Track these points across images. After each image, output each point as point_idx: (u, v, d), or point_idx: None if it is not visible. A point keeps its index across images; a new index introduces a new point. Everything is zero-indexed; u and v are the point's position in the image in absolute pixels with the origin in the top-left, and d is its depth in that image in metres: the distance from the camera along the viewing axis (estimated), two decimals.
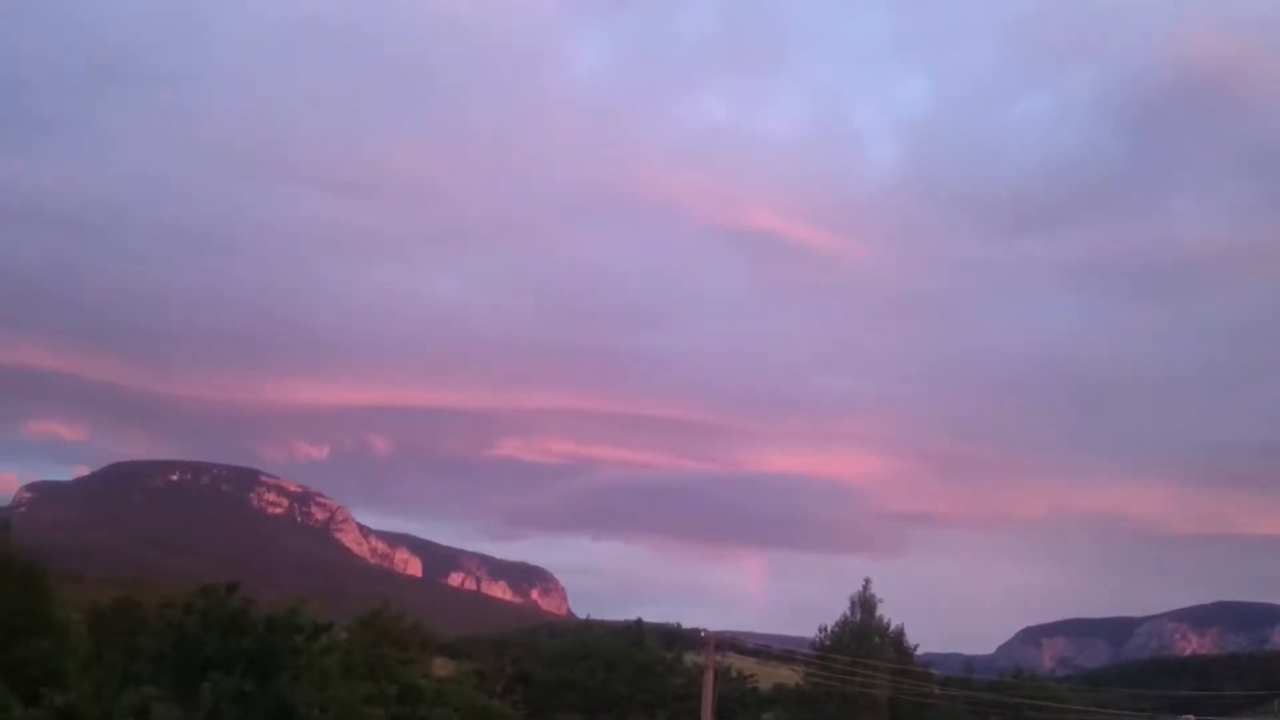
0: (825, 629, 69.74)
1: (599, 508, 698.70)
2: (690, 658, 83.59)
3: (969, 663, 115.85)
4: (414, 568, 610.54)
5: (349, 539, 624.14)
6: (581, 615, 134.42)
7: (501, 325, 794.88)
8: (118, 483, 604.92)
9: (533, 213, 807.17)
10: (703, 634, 54.35)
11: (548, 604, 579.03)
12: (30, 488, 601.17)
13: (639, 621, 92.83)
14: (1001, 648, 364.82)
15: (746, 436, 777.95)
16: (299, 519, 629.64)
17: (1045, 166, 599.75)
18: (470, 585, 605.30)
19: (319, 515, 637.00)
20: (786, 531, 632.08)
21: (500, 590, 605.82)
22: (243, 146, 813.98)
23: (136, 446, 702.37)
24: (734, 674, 72.84)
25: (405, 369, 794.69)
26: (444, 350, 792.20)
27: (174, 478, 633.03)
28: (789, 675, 78.44)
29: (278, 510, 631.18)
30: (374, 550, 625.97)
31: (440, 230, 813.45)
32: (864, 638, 66.51)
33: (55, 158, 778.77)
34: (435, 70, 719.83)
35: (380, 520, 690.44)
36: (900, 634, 72.42)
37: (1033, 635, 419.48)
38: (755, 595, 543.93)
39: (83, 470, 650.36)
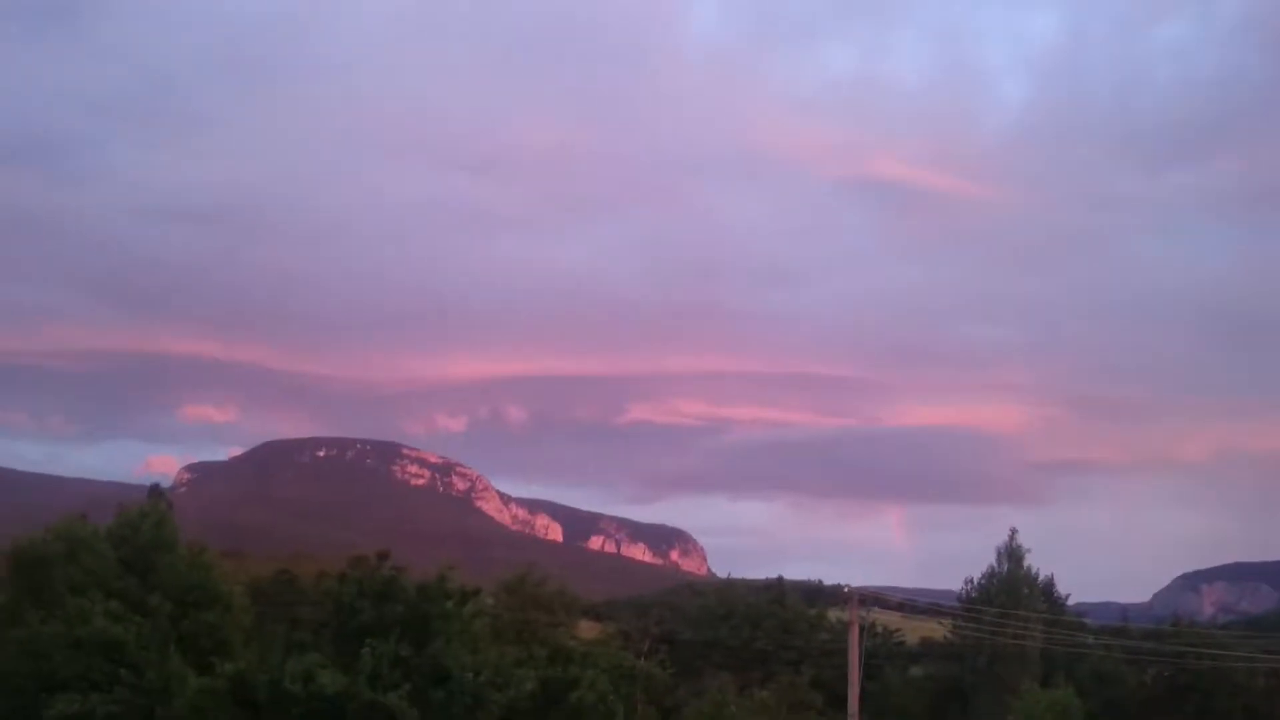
0: (971, 581, 68.39)
1: (736, 467, 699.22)
2: (834, 614, 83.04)
3: (1124, 612, 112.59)
4: (555, 533, 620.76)
5: (490, 507, 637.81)
6: (722, 575, 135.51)
7: (632, 290, 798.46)
8: (268, 461, 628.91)
9: (661, 176, 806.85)
10: (846, 590, 53.72)
11: (688, 564, 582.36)
12: (189, 469, 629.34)
13: (780, 579, 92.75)
14: (1158, 595, 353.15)
15: (885, 390, 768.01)
16: (441, 489, 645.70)
17: (1191, 93, 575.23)
18: (610, 548, 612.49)
19: (460, 485, 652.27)
20: (928, 485, 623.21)
21: (640, 552, 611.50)
22: (379, 131, 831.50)
23: (285, 425, 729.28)
24: (879, 629, 72.02)
25: (538, 339, 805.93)
26: (576, 318, 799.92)
27: (320, 454, 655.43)
28: (936, 629, 77.26)
29: (420, 481, 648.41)
30: (515, 517, 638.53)
31: (570, 199, 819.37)
32: (1012, 589, 64.95)
33: (202, 152, 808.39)
34: (560, 41, 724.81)
35: (520, 488, 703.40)
36: (1050, 584, 70.59)
37: (1191, 581, 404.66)
38: (897, 550, 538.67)
39: (236, 450, 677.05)
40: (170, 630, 43.80)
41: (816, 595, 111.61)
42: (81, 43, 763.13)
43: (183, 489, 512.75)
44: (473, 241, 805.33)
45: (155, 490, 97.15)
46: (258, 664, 36.45)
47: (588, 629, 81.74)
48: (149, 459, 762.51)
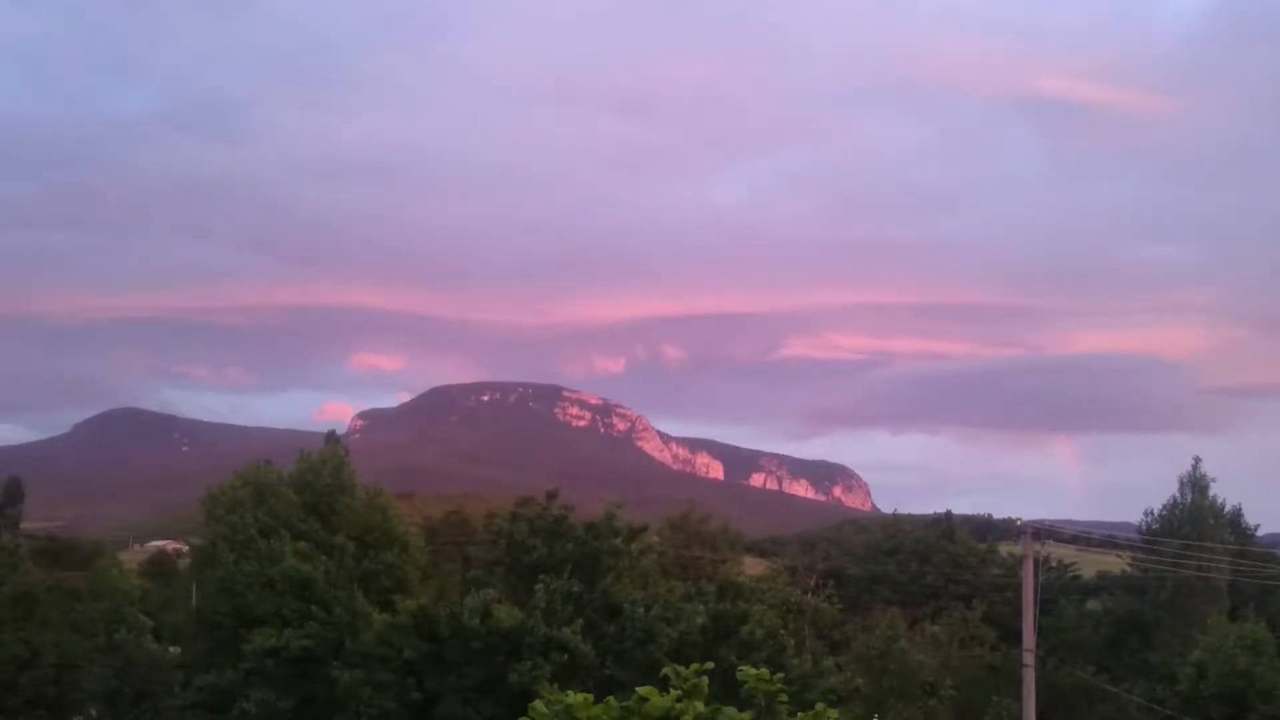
0: (1151, 513, 65.81)
1: (898, 401, 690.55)
2: (1005, 548, 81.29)
3: None
4: (716, 471, 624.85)
5: (650, 446, 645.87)
6: (886, 510, 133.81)
7: (785, 226, 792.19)
8: (436, 406, 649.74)
9: (811, 109, 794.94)
10: (1018, 524, 52.38)
11: (851, 500, 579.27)
12: (361, 415, 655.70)
13: (948, 514, 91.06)
14: None
15: (1052, 318, 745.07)
16: (602, 430, 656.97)
17: None
18: (772, 485, 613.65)
19: (620, 426, 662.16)
20: (1100, 414, 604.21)
21: (802, 489, 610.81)
22: (529, 79, 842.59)
23: (450, 371, 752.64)
24: (1053, 563, 70.17)
25: (693, 278, 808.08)
26: (729, 256, 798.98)
27: (485, 398, 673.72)
28: (1114, 562, 74.88)
29: (581, 423, 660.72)
30: (675, 456, 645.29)
31: (720, 138, 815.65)
32: (1197, 520, 62.23)
33: (360, 111, 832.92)
34: None
35: (679, 427, 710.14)
36: (1237, 514, 67.50)
37: None
38: (1069, 482, 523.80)
39: (404, 397, 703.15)
40: (354, 569, 45.67)
41: (986, 529, 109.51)
42: (247, 9, 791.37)
43: (356, 435, 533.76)
44: (627, 183, 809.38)
45: (331, 436, 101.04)
46: (437, 600, 37.69)
47: (752, 565, 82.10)
48: (324, 406, 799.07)
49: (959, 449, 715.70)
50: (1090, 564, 79.89)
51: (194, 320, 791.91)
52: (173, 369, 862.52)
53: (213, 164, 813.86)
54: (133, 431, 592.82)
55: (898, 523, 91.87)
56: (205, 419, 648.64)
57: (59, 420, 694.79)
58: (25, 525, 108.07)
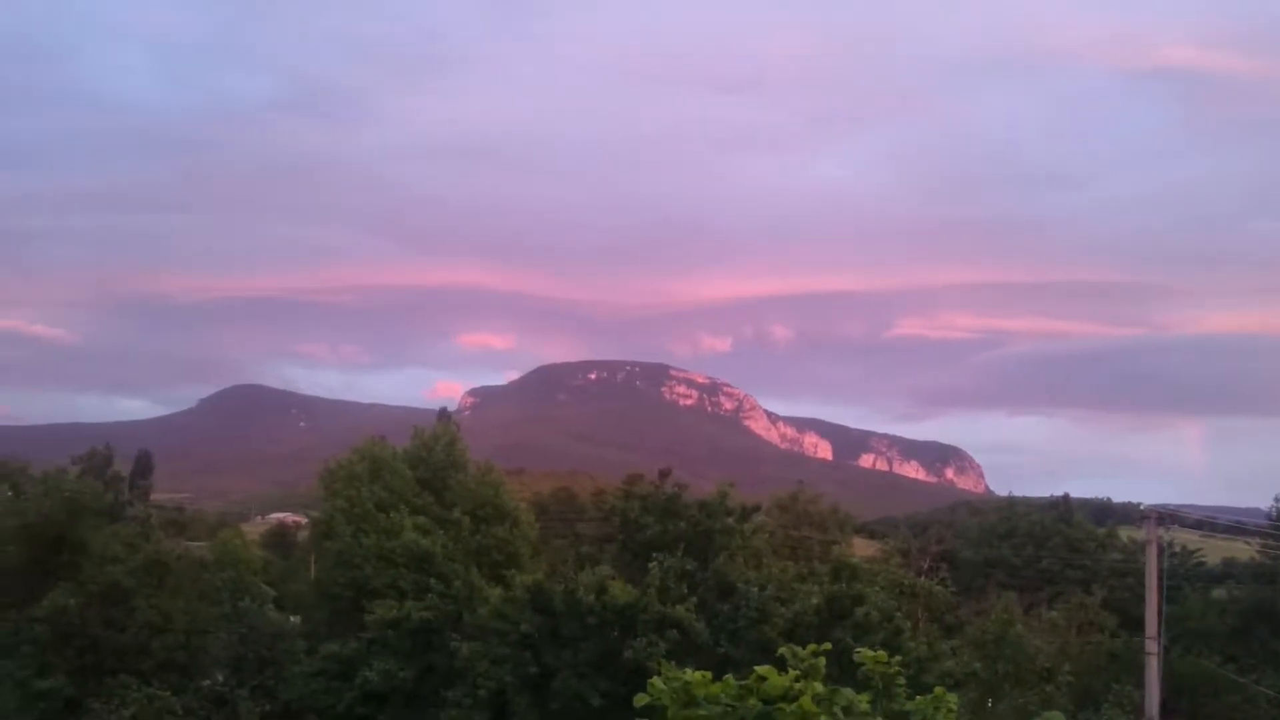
0: None
1: (1013, 381, 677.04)
2: (1125, 532, 79.18)
3: None
4: (824, 451, 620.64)
5: (758, 426, 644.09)
6: (1001, 493, 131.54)
7: (893, 204, 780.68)
8: (544, 384, 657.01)
9: (919, 84, 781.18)
10: (1141, 508, 50.85)
11: (964, 482, 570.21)
12: (471, 393, 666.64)
13: (1066, 497, 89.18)
14: None
15: (1175, 295, 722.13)
16: (709, 409, 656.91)
17: None
18: (882, 466, 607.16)
19: (727, 405, 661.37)
20: (1228, 396, 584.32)
21: (913, 470, 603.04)
22: (636, 60, 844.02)
23: (558, 350, 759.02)
24: (1177, 549, 68.08)
25: (799, 257, 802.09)
26: (836, 234, 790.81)
27: (593, 376, 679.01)
28: (1241, 549, 72.41)
29: (688, 401, 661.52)
30: (783, 435, 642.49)
31: (824, 115, 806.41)
32: None
33: (469, 93, 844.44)
34: None
35: (787, 406, 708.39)
36: None
37: None
38: (1193, 466, 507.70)
39: (513, 375, 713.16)
40: (470, 543, 46.39)
41: (1104, 513, 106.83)
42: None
43: (466, 412, 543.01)
44: (732, 161, 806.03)
45: (443, 413, 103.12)
46: (551, 576, 38.07)
47: (861, 546, 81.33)
48: (436, 384, 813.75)
49: (1077, 431, 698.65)
50: (1216, 550, 77.40)
51: (312, 300, 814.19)
52: (292, 347, 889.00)
53: (329, 148, 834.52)
54: (254, 407, 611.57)
55: (1013, 505, 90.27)
56: (322, 395, 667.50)
57: (184, 396, 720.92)
58: (154, 497, 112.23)
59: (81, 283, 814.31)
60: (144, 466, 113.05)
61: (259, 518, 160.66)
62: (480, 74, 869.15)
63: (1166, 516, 49.90)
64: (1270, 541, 62.48)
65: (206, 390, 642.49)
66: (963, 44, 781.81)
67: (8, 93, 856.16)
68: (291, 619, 54.25)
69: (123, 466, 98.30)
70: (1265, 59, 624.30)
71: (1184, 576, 66.56)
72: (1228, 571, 74.29)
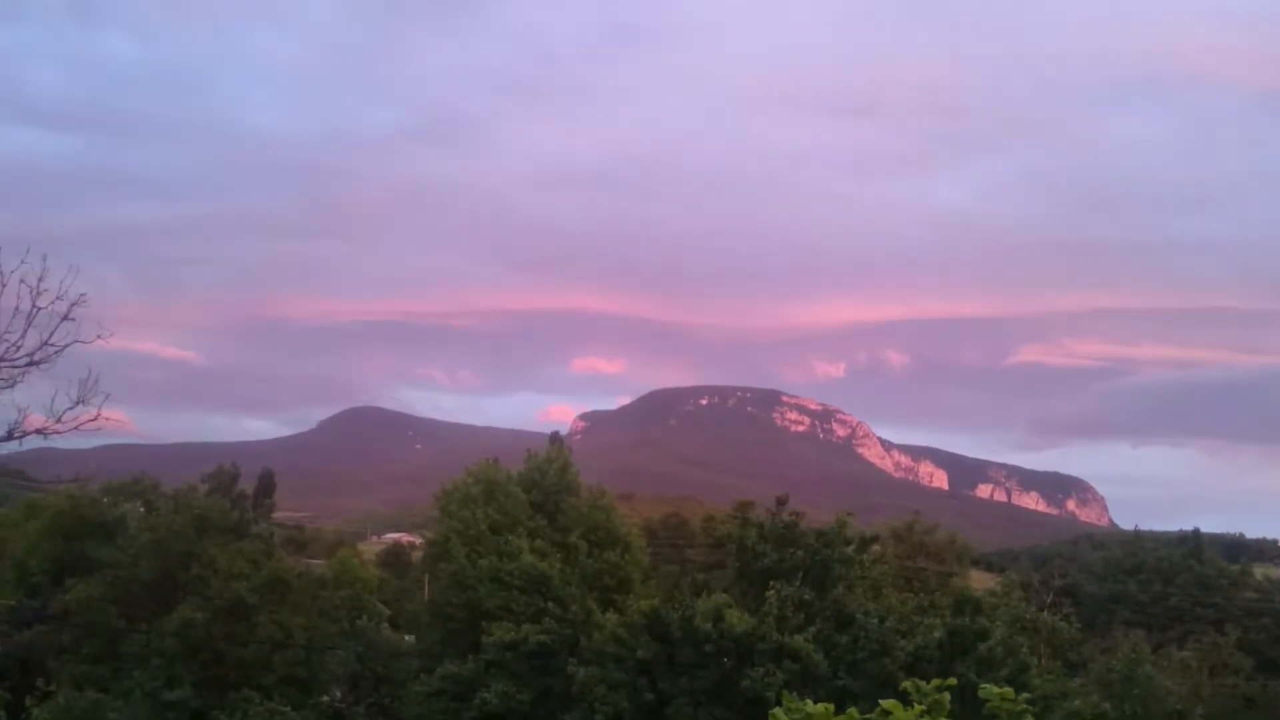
0: None
1: (1139, 411, 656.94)
2: (1260, 570, 76.04)
3: None
4: (939, 480, 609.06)
5: (871, 453, 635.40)
6: (1125, 526, 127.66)
7: (1017, 228, 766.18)
8: (655, 409, 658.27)
9: (1048, 107, 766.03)
10: (1278, 544, 48.74)
11: (1086, 515, 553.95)
12: (583, 417, 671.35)
13: (1196, 532, 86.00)
14: None
15: None
16: (821, 436, 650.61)
17: None
18: (1000, 496, 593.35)
19: (840, 431, 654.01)
20: None
21: (1032, 501, 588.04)
22: (753, 86, 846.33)
23: (669, 375, 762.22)
24: None
25: (917, 282, 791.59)
26: (957, 260, 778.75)
27: (704, 402, 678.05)
28: None
29: (800, 428, 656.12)
30: (897, 464, 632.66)
31: (949, 138, 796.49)
32: None
33: (586, 121, 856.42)
34: None
35: (901, 434, 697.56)
36: None
37: None
38: None
39: (624, 399, 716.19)
40: (585, 567, 46.44)
41: (1237, 550, 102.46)
42: (483, 29, 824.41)
43: (578, 436, 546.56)
44: (850, 185, 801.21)
45: (555, 437, 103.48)
46: (665, 602, 37.87)
47: (980, 579, 79.43)
48: (548, 408, 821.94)
49: (1208, 463, 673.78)
50: None
51: (429, 324, 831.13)
52: (409, 370, 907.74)
53: (449, 175, 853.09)
54: (371, 428, 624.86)
55: (1139, 540, 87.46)
56: (437, 418, 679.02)
57: (305, 417, 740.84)
58: (276, 515, 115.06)
59: (212, 307, 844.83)
60: (267, 485, 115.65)
61: (375, 537, 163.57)
62: (600, 101, 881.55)
63: None
64: None
65: (326, 411, 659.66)
66: (1092, 64, 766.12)
67: (146, 123, 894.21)
68: (406, 638, 54.97)
69: (247, 485, 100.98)
70: None
71: None
72: None
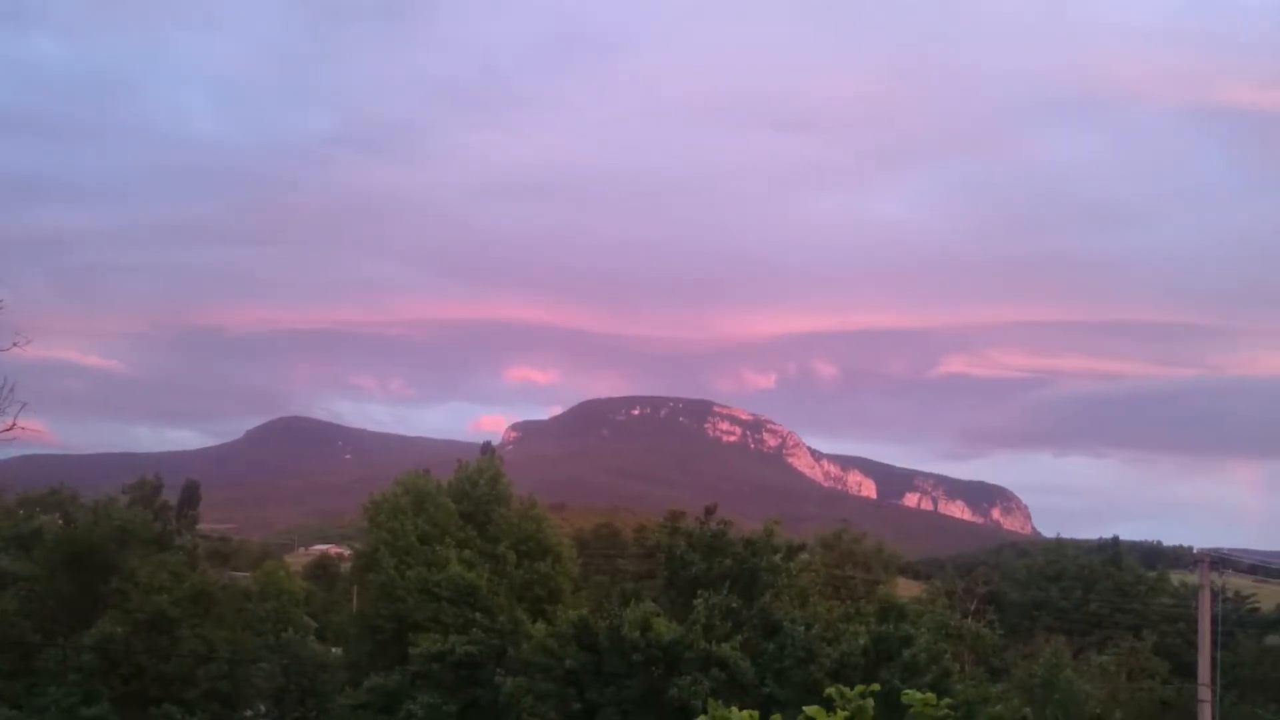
0: None
1: (1062, 422, 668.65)
2: (1176, 577, 77.82)
3: None
4: (868, 489, 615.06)
5: (801, 463, 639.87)
6: (1048, 534, 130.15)
7: (946, 242, 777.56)
8: (587, 419, 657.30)
9: (978, 123, 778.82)
10: (1193, 552, 49.99)
11: (1010, 523, 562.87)
12: (515, 427, 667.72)
13: (1115, 539, 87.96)
14: None
15: (1233, 337, 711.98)
16: (752, 445, 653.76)
17: None
18: (926, 505, 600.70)
19: (771, 441, 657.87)
20: None
21: (958, 510, 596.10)
22: (691, 99, 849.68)
23: (602, 385, 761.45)
24: (1230, 594, 66.77)
25: (847, 293, 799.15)
26: (886, 272, 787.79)
27: (636, 412, 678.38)
28: None
29: (732, 438, 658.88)
30: (827, 473, 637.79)
31: (881, 153, 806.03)
32: None
33: (529, 131, 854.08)
34: None
35: (831, 444, 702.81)
36: None
37: None
38: (1247, 509, 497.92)
39: (556, 410, 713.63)
40: (514, 577, 46.31)
41: (1155, 557, 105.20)
42: (422, 37, 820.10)
43: (509, 446, 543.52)
44: (783, 199, 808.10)
45: (486, 447, 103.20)
46: (594, 612, 37.89)
47: (906, 587, 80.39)
48: (480, 418, 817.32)
49: (1128, 472, 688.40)
50: (1270, 596, 75.92)
51: (361, 333, 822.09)
52: (339, 380, 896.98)
53: (386, 184, 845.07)
54: (300, 439, 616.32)
55: (1061, 547, 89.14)
56: (368, 428, 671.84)
57: (233, 427, 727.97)
58: (200, 527, 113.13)
59: (137, 315, 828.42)
60: (191, 496, 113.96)
61: (303, 549, 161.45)
62: (541, 112, 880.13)
63: (1219, 561, 48.99)
64: None
65: (255, 421, 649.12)
66: (1021, 84, 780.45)
67: (73, 127, 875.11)
68: (333, 651, 54.37)
69: (171, 496, 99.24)
70: None
71: (1237, 622, 65.33)
72: None
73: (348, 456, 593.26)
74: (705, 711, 7.11)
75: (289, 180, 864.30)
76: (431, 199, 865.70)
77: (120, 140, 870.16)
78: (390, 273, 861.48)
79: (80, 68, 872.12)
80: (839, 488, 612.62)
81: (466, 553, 46.55)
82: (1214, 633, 42.11)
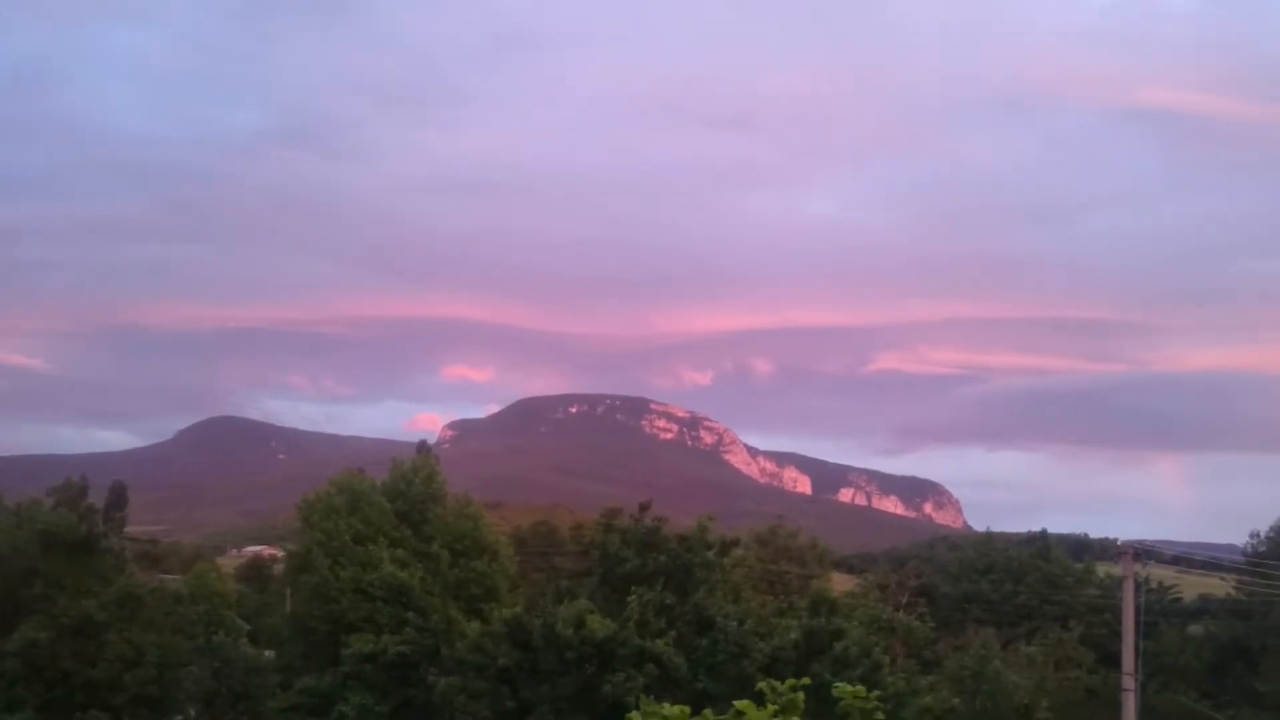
0: (1258, 535, 63.73)
1: (993, 417, 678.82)
2: (1103, 568, 79.30)
3: None
4: (803, 485, 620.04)
5: (738, 460, 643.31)
6: (979, 528, 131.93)
7: (880, 240, 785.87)
8: (524, 417, 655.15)
9: (910, 123, 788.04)
10: (1118, 543, 51.02)
11: (942, 517, 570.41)
12: (451, 425, 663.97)
13: (1044, 532, 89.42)
14: None
15: (1158, 333, 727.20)
16: (689, 443, 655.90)
17: None
18: (860, 500, 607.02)
19: (708, 439, 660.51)
20: (1208, 433, 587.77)
21: (892, 505, 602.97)
22: (628, 97, 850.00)
23: (539, 383, 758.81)
24: (1154, 585, 68.24)
25: (783, 292, 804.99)
26: (821, 270, 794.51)
27: (573, 410, 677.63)
28: (1217, 585, 72.66)
29: (669, 435, 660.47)
30: (763, 470, 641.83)
31: (816, 152, 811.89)
32: None
33: (466, 128, 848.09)
34: None
35: (767, 441, 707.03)
36: None
37: None
38: (1172, 502, 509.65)
39: (494, 408, 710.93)
40: (448, 576, 46.12)
41: (1083, 549, 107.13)
42: (355, 32, 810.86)
43: (446, 445, 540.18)
44: (720, 197, 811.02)
45: (423, 446, 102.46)
46: (529, 610, 37.92)
47: (840, 581, 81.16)
48: (416, 416, 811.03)
49: (1056, 466, 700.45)
50: (1192, 587, 77.69)
51: (295, 331, 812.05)
52: (273, 378, 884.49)
53: (318, 180, 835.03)
54: (232, 439, 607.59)
55: (991, 541, 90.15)
56: (302, 427, 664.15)
57: (163, 427, 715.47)
58: (129, 529, 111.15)
59: (62, 312, 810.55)
60: (119, 498, 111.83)
61: (235, 551, 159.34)
62: (478, 109, 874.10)
63: (1143, 552, 50.09)
64: (1246, 578, 62.73)
65: (185, 421, 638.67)
66: (954, 85, 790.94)
67: None
68: (266, 653, 53.79)
69: (98, 498, 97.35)
70: (1245, 103, 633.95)
71: (1160, 612, 66.71)
72: (1204, 608, 74.53)
73: (281, 456, 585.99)
74: (638, 708, 7.21)
75: (220, 176, 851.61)
76: (366, 196, 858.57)
77: (45, 135, 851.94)
78: (324, 270, 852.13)
79: (3, 62, 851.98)
80: (775, 484, 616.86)
81: (399, 552, 46.28)
82: (1137, 623, 43.08)
